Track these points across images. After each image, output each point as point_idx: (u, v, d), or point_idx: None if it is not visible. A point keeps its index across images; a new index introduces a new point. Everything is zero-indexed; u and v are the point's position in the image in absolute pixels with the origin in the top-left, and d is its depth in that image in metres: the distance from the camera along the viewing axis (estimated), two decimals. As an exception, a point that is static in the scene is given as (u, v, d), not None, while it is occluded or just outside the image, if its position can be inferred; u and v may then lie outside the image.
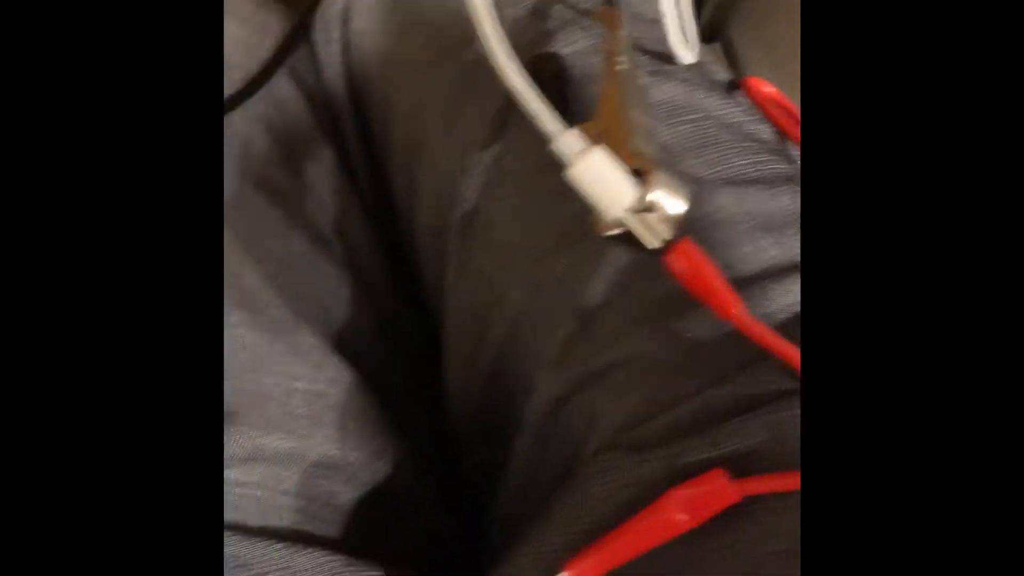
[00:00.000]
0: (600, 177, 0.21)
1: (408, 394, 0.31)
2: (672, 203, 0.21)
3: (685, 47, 0.28)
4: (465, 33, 0.28)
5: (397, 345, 0.32)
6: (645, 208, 0.21)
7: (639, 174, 0.21)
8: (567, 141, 0.21)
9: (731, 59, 0.88)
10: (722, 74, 0.33)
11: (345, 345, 0.29)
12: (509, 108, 0.27)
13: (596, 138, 0.23)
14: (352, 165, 0.34)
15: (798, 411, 0.21)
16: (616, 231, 0.22)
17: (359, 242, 0.32)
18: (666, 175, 0.21)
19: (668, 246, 0.21)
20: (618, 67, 0.23)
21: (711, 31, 0.89)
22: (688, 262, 0.21)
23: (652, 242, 0.21)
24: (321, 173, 0.32)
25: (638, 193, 0.21)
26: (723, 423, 0.22)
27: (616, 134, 0.23)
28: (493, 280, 0.27)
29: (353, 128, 0.33)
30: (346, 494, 0.26)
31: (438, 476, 0.30)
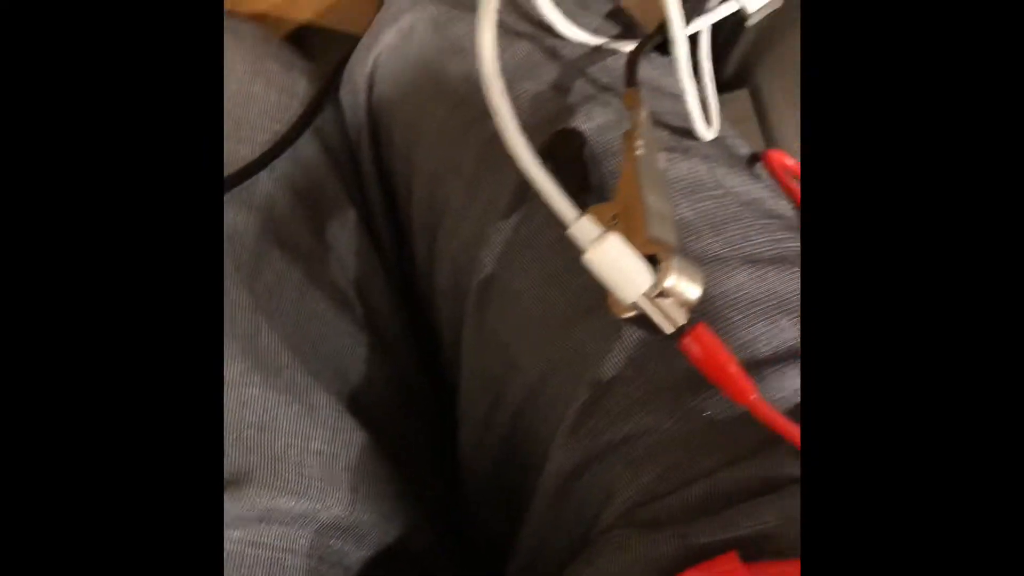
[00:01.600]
0: (615, 263, 0.21)
1: (422, 456, 0.31)
2: (687, 288, 0.21)
3: (706, 124, 0.29)
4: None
5: (413, 406, 0.32)
6: (660, 293, 0.21)
7: (654, 259, 0.22)
8: (582, 227, 0.21)
9: (758, 105, 0.89)
10: (744, 148, 0.34)
11: (360, 405, 0.29)
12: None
13: (613, 220, 0.24)
14: (375, 226, 0.34)
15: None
16: (632, 314, 0.22)
17: (379, 302, 0.32)
18: (681, 261, 0.22)
19: (683, 331, 0.21)
20: (637, 151, 0.24)
21: (739, 78, 0.90)
22: (703, 348, 0.21)
23: (667, 327, 0.21)
24: (343, 233, 0.33)
25: (653, 279, 0.21)
26: (736, 504, 0.22)
27: (633, 218, 0.23)
28: (509, 348, 0.28)
29: (377, 190, 0.34)
30: (356, 554, 0.27)
31: (451, 540, 0.30)
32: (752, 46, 0.78)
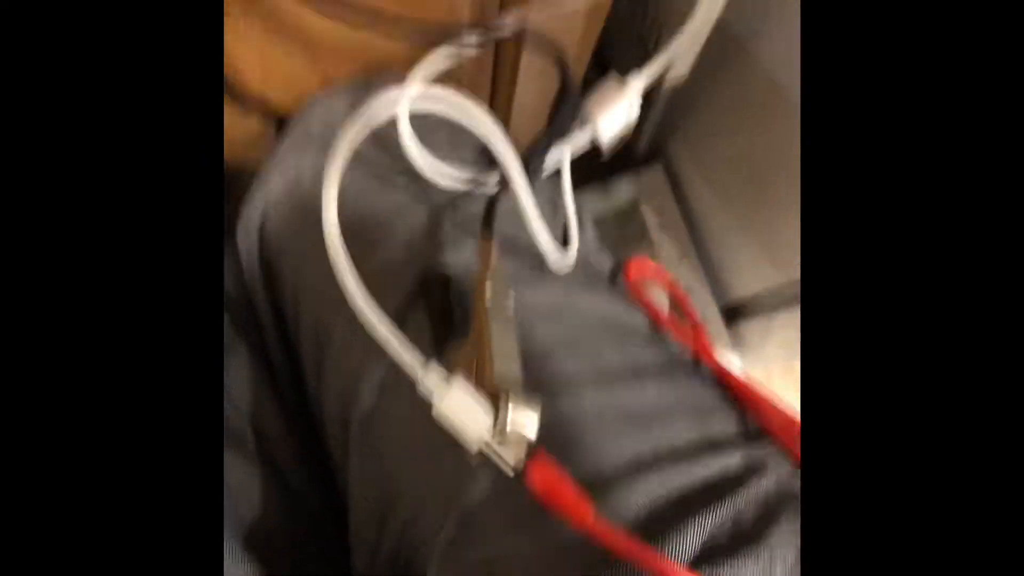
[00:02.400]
0: (460, 409, 0.24)
1: (324, 574, 0.33)
2: (523, 424, 0.24)
3: (561, 256, 0.32)
4: (366, 241, 0.32)
5: (309, 527, 0.34)
6: (500, 433, 0.24)
7: (496, 399, 0.24)
8: (430, 380, 0.24)
9: (671, 177, 0.94)
10: (606, 262, 0.37)
11: (256, 539, 0.31)
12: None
13: (465, 359, 0.26)
14: (270, 354, 0.36)
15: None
16: (481, 456, 0.24)
17: (271, 430, 0.34)
18: (517, 396, 0.24)
19: (524, 467, 0.24)
20: (487, 303, 0.27)
21: (652, 151, 0.95)
22: (543, 480, 0.24)
23: (508, 469, 0.24)
24: (236, 369, 0.35)
25: (491, 420, 0.24)
26: None
27: (483, 357, 0.26)
28: (391, 477, 0.30)
29: (272, 325, 0.36)
30: None
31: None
32: (663, 120, 0.83)
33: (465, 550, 0.27)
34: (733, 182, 0.73)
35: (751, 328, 0.77)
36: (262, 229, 0.36)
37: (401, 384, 0.30)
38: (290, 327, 0.35)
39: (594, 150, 0.34)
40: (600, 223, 0.83)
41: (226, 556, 0.29)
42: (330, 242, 0.26)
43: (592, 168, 0.82)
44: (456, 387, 0.24)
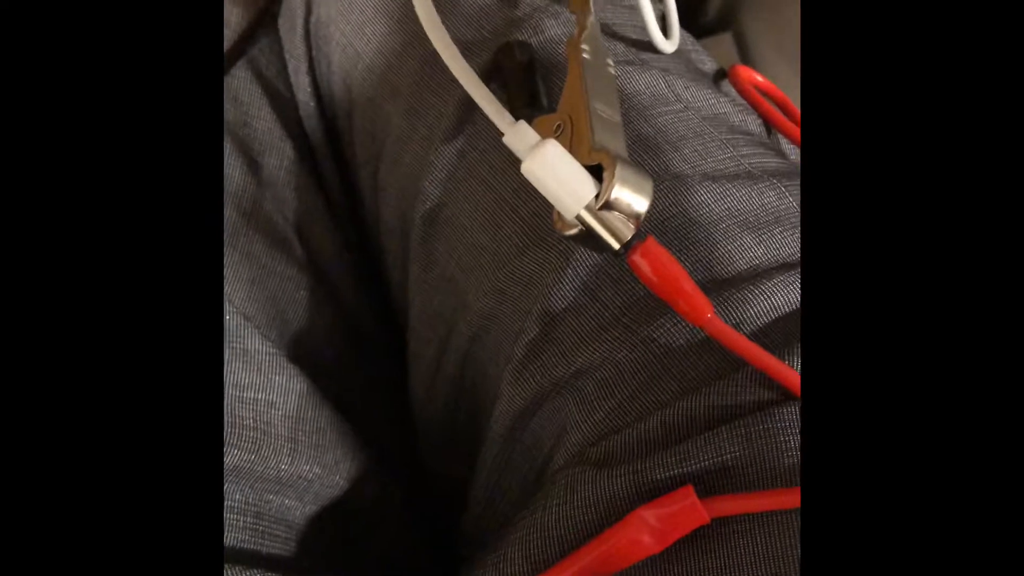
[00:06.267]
0: (555, 172, 0.19)
1: (372, 401, 0.30)
2: (633, 199, 0.19)
3: (663, 37, 0.27)
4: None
5: (360, 349, 0.30)
6: (605, 205, 0.19)
7: (599, 170, 0.20)
8: (519, 134, 0.19)
9: (742, 49, 0.86)
10: (709, 63, 0.31)
11: (302, 351, 0.27)
12: (472, 99, 0.25)
13: (557, 130, 0.21)
14: (318, 160, 0.32)
15: (775, 425, 0.20)
16: (576, 230, 0.20)
17: (322, 243, 0.30)
18: (627, 171, 0.20)
19: (630, 246, 0.19)
20: (583, 56, 0.22)
21: (722, 21, 0.87)
22: (653, 263, 0.19)
23: (613, 243, 0.19)
24: (280, 171, 0.30)
25: (596, 190, 0.19)
26: (694, 436, 0.20)
27: (577, 127, 0.21)
28: (457, 283, 0.26)
29: (318, 123, 0.32)
30: (300, 509, 0.25)
31: (403, 487, 0.28)
32: (731, -12, 0.75)
33: (547, 362, 0.23)
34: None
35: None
36: (308, 9, 0.31)
37: (472, 175, 0.25)
38: (340, 124, 0.31)
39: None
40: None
41: (267, 360, 0.25)
42: None
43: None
44: (549, 147, 0.19)
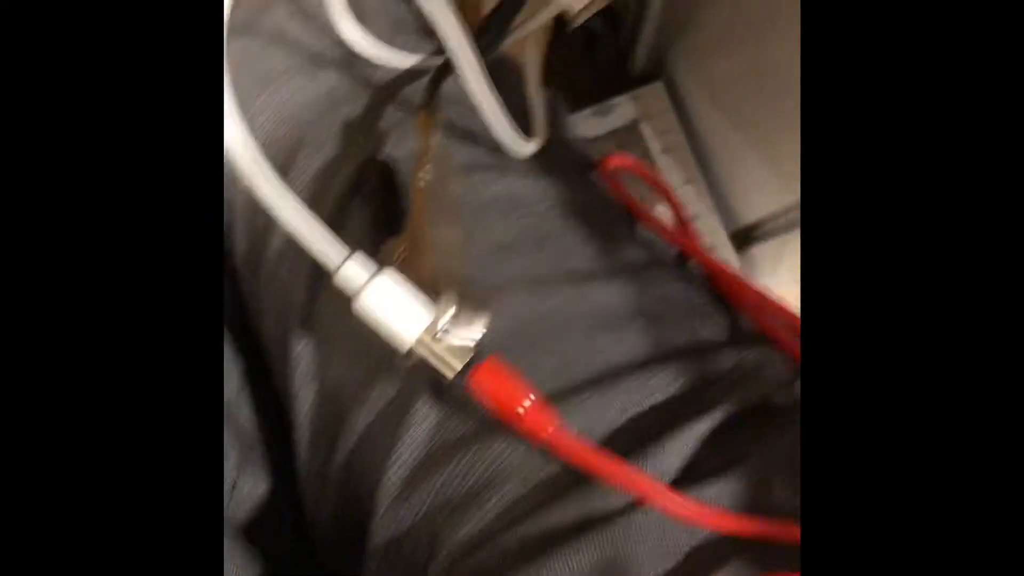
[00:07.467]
0: (389, 305, 0.20)
1: (268, 508, 0.29)
2: (468, 325, 0.20)
3: (518, 139, 0.27)
4: (294, 143, 0.28)
5: (251, 461, 0.30)
6: (439, 333, 0.20)
7: (436, 296, 0.20)
8: (348, 272, 0.20)
9: (674, 97, 0.88)
10: (577, 154, 0.32)
11: None
12: None
13: (401, 254, 0.22)
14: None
15: (627, 530, 0.20)
16: (415, 361, 0.20)
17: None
18: (459, 295, 0.20)
19: (469, 370, 0.20)
20: (421, 182, 0.22)
21: (651, 70, 0.88)
22: (488, 383, 0.20)
23: (446, 372, 0.20)
24: None
25: (431, 317, 0.20)
26: (558, 547, 0.21)
27: (419, 251, 0.22)
28: (335, 396, 0.26)
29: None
30: None
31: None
32: (660, 37, 0.77)
33: (419, 483, 0.23)
34: (740, 99, 0.68)
35: (763, 252, 0.72)
36: None
37: (334, 300, 0.26)
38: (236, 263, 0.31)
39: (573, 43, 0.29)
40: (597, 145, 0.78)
41: None
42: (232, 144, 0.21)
43: (587, 87, 0.77)
44: (383, 279, 0.20)
